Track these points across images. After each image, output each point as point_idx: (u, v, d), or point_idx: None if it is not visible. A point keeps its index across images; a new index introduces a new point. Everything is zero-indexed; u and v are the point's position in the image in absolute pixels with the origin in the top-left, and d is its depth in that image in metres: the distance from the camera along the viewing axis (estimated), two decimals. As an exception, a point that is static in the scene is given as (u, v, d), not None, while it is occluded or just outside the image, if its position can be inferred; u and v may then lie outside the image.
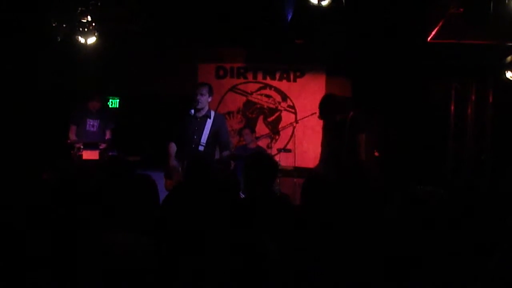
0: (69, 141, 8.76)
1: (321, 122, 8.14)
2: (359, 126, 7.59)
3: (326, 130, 7.97)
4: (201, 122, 7.37)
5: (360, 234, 3.74)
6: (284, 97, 11.11)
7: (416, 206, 3.72)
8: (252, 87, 11.17)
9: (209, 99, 7.48)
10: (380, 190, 5.37)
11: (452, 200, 3.83)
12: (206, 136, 7.34)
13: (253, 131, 10.23)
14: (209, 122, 7.38)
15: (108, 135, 9.32)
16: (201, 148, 7.31)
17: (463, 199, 4.17)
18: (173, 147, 7.44)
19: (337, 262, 3.44)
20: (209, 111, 7.47)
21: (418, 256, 3.35)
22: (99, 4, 7.97)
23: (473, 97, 10.30)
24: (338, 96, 9.23)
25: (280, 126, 10.93)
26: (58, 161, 7.22)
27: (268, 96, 11.14)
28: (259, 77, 11.16)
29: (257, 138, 9.98)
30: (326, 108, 7.79)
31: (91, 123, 9.22)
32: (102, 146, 8.86)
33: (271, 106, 11.14)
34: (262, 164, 4.81)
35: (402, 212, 3.71)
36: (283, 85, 11.14)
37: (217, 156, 7.55)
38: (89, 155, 8.49)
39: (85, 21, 8.06)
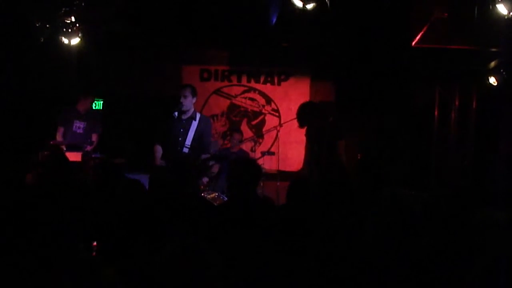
0: (52, 142, 8.69)
1: (303, 128, 8.18)
2: (338, 132, 7.65)
3: (308, 136, 8.02)
4: (187, 124, 7.35)
5: (341, 236, 3.74)
6: (268, 101, 11.09)
7: (399, 209, 3.73)
8: (236, 90, 11.15)
9: (193, 100, 7.45)
10: (361, 193, 5.39)
11: (435, 204, 3.84)
12: (191, 138, 7.32)
13: (242, 135, 10.19)
14: (194, 124, 7.37)
15: (94, 137, 9.27)
16: (185, 150, 7.29)
17: (446, 203, 4.17)
18: (158, 150, 7.42)
19: (319, 262, 3.44)
20: (194, 113, 7.45)
21: (400, 259, 3.35)
22: (83, 4, 7.92)
23: (456, 103, 10.33)
24: (316, 103, 9.28)
25: (264, 129, 10.90)
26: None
27: (252, 99, 11.12)
28: (244, 80, 11.13)
29: (241, 142, 9.96)
30: (304, 117, 7.85)
31: (78, 125, 9.17)
32: (88, 148, 8.82)
33: (255, 109, 11.12)
34: (246, 168, 4.81)
35: (384, 216, 3.71)
36: (267, 88, 11.12)
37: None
38: (71, 157, 8.41)
39: (69, 21, 8.00)
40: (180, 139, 7.29)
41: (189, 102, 7.33)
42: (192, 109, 7.44)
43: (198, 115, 7.46)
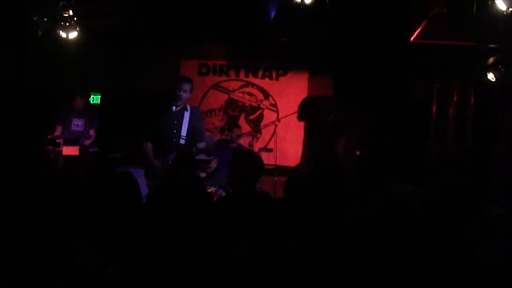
0: (50, 136, 8.67)
1: (302, 122, 8.17)
2: (339, 130, 7.65)
3: (307, 131, 8.01)
4: (179, 115, 7.34)
5: (338, 231, 3.73)
6: (266, 95, 11.08)
7: (396, 205, 3.72)
8: (234, 84, 11.13)
9: (189, 96, 7.45)
10: (358, 189, 5.39)
11: (432, 200, 3.84)
12: (186, 128, 7.31)
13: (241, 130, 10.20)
14: (187, 115, 7.36)
15: (92, 132, 9.26)
16: (182, 141, 7.25)
17: (443, 199, 4.17)
18: (149, 147, 7.38)
19: (317, 256, 3.43)
20: (185, 104, 7.44)
21: (396, 254, 3.35)
22: (81, -2, 7.92)
23: (454, 98, 10.32)
24: (319, 98, 9.28)
25: (262, 124, 10.90)
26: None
27: (250, 94, 11.11)
28: (242, 75, 11.12)
29: (239, 136, 9.95)
30: (306, 111, 7.85)
31: (76, 123, 9.17)
32: (86, 142, 8.81)
33: (253, 104, 11.10)
34: (249, 162, 4.81)
35: (381, 211, 3.71)
36: (266, 83, 11.11)
37: None
38: (69, 151, 8.42)
39: (66, 15, 7.99)
40: (175, 131, 7.26)
41: (186, 97, 7.34)
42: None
43: (188, 106, 7.48)
